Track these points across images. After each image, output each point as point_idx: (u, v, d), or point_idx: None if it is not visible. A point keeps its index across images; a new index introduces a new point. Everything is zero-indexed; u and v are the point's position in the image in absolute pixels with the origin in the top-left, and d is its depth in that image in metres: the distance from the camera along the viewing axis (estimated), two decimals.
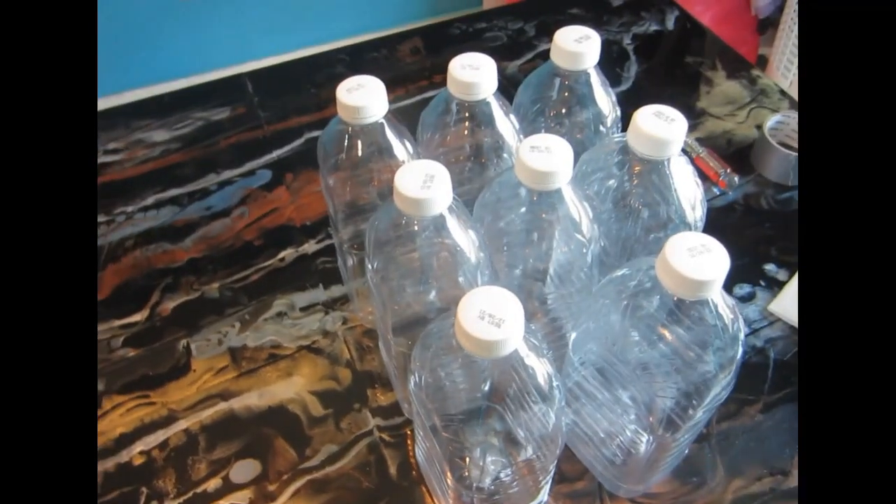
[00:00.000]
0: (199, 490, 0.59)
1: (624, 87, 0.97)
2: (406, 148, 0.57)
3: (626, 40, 1.04)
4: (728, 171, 0.82)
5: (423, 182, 0.46)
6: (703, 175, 0.83)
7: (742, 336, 0.43)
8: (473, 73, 0.55)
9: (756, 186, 0.83)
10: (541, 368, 0.41)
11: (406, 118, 0.59)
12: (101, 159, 0.87)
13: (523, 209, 0.51)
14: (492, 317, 0.38)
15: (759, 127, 0.86)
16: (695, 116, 0.92)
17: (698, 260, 0.40)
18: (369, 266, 0.52)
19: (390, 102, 0.55)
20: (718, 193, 0.82)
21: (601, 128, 0.62)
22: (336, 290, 0.73)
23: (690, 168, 0.52)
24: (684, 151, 0.85)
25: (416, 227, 0.48)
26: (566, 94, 0.61)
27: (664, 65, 1.02)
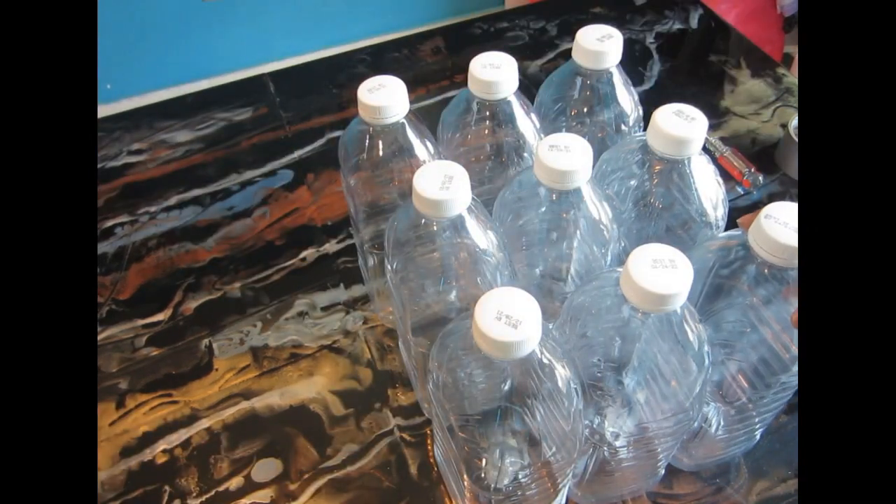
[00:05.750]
0: (220, 489, 0.59)
1: (647, 87, 0.96)
2: (427, 148, 0.57)
3: (650, 39, 1.03)
4: (752, 170, 0.81)
5: (441, 183, 0.46)
6: (727, 174, 0.83)
7: (707, 355, 0.43)
8: (494, 72, 0.55)
9: (781, 186, 0.82)
10: (559, 369, 0.41)
11: (427, 118, 0.59)
12: (125, 160, 0.88)
13: (542, 208, 0.51)
14: (509, 318, 0.37)
15: (784, 126, 0.85)
16: (719, 115, 0.91)
17: (661, 273, 0.39)
18: (389, 266, 0.52)
19: (411, 102, 0.55)
20: (743, 193, 0.81)
21: (623, 127, 0.61)
22: (357, 290, 0.73)
23: (712, 167, 0.51)
24: (708, 151, 0.84)
25: (434, 228, 0.48)
26: (588, 93, 0.60)
27: (688, 63, 1.01)
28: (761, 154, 0.85)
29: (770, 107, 0.92)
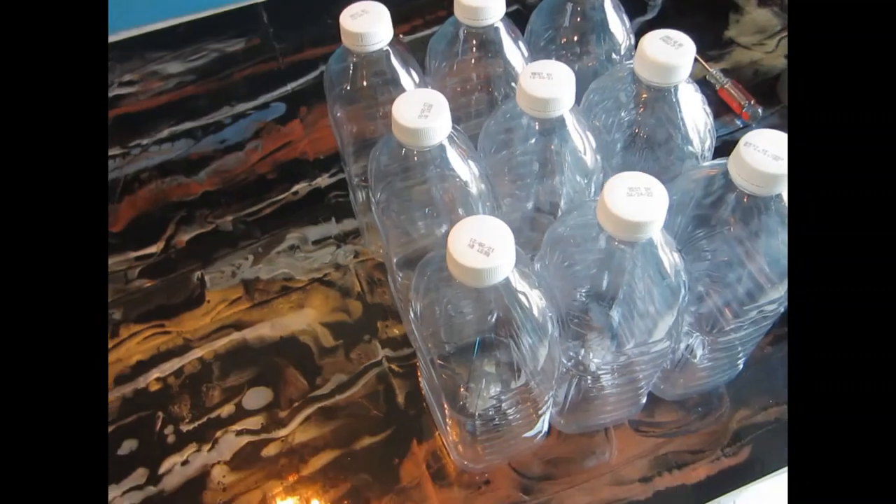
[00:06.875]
0: (212, 415, 0.61)
1: (650, 16, 0.93)
2: (412, 77, 0.56)
3: None
4: (752, 102, 0.79)
5: (420, 111, 0.45)
6: (726, 107, 0.81)
7: (683, 283, 0.43)
8: None
9: (780, 118, 0.80)
10: (534, 298, 0.41)
11: (423, 49, 0.58)
12: (116, 91, 0.87)
13: (526, 138, 0.50)
14: (482, 245, 0.37)
15: (787, 56, 0.83)
16: (722, 46, 0.89)
17: (636, 201, 0.39)
18: (372, 198, 0.52)
19: (407, 33, 0.54)
20: (742, 126, 0.80)
21: (614, 56, 0.60)
22: (348, 224, 0.73)
23: (700, 96, 0.50)
24: (708, 83, 0.82)
25: (415, 158, 0.48)
26: (578, 20, 0.59)
27: None
28: (762, 85, 0.83)
29: (775, 37, 0.90)
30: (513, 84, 0.58)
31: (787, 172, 0.40)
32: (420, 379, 0.61)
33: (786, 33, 0.90)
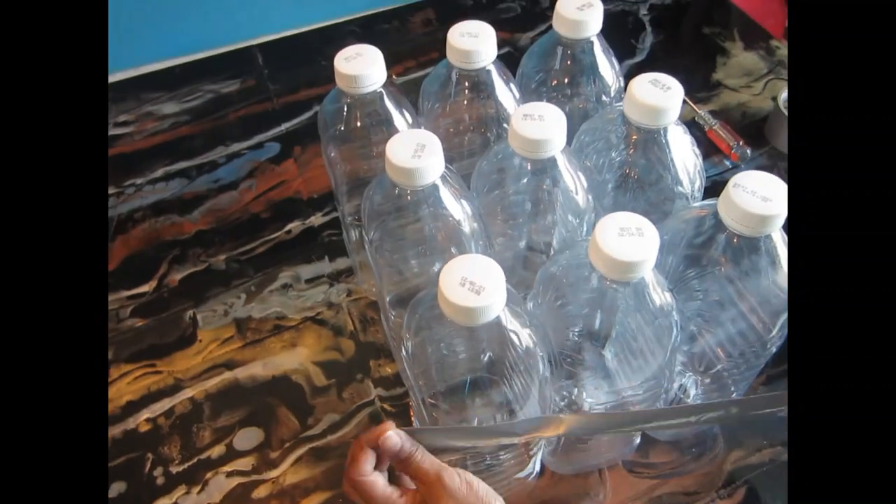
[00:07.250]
0: (202, 456, 0.60)
1: (638, 59, 0.95)
2: (405, 118, 0.57)
3: (643, 11, 1.02)
4: (740, 143, 0.80)
5: (413, 151, 0.45)
6: (715, 148, 0.82)
7: (675, 323, 0.43)
8: (472, 40, 0.55)
9: (769, 159, 0.81)
10: (525, 337, 0.41)
11: (416, 90, 0.58)
12: (112, 131, 0.87)
13: (518, 179, 0.51)
14: (473, 284, 0.37)
15: (774, 98, 0.84)
16: (710, 88, 0.90)
17: (628, 241, 0.39)
18: (366, 237, 0.52)
19: (401, 74, 0.55)
20: (731, 166, 0.81)
21: (604, 98, 0.61)
22: (341, 263, 0.73)
23: (689, 138, 0.51)
24: (697, 124, 0.84)
25: (408, 198, 0.48)
26: (568, 62, 0.60)
27: (681, 36, 1.00)
28: (750, 127, 0.85)
29: (762, 80, 0.91)
30: (505, 125, 0.59)
31: (776, 214, 0.40)
32: (413, 418, 0.61)
33: (772, 76, 0.91)
